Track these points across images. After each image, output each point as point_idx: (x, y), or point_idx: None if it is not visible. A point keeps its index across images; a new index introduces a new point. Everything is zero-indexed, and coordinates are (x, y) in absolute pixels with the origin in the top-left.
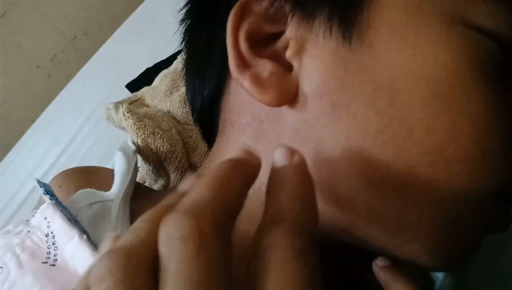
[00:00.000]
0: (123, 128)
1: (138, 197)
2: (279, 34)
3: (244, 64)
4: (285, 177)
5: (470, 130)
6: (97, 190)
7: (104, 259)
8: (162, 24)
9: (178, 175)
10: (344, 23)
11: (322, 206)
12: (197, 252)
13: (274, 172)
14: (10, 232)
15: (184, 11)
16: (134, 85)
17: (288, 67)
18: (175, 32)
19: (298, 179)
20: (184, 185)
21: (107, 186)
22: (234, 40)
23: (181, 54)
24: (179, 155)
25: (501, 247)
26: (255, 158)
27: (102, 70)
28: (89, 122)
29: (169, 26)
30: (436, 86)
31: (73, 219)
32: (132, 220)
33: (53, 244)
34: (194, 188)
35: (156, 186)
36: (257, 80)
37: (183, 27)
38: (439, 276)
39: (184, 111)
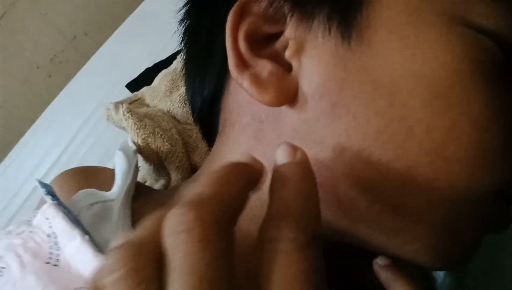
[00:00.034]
0: (123, 128)
1: (139, 197)
2: (278, 34)
3: (243, 64)
4: (288, 174)
5: (470, 130)
6: (98, 190)
7: (115, 252)
8: (162, 23)
9: (179, 175)
10: (343, 23)
11: (323, 205)
12: (200, 242)
13: (277, 169)
14: (12, 232)
15: (183, 11)
16: (134, 85)
17: (288, 67)
18: (175, 32)
19: (300, 175)
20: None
21: (108, 186)
22: (233, 40)
23: (180, 54)
24: (179, 155)
25: (501, 247)
26: (259, 165)
27: (102, 70)
28: (89, 122)
29: (169, 26)
30: (436, 86)
31: (74, 220)
32: (133, 220)
33: (55, 244)
34: (197, 186)
35: (157, 186)
36: (256, 80)
37: (183, 27)
38: (440, 274)
39: (184, 110)
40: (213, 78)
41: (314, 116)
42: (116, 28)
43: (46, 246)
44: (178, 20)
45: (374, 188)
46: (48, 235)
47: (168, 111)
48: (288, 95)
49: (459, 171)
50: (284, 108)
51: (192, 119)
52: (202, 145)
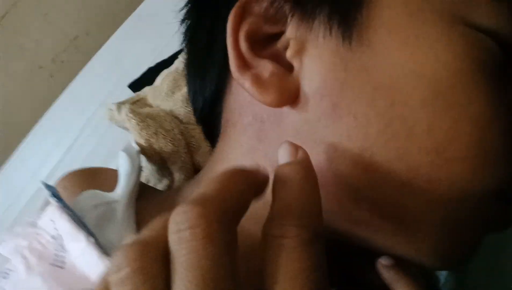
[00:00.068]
0: (126, 129)
1: (143, 198)
2: (279, 34)
3: (244, 65)
4: (290, 173)
5: (471, 130)
6: (102, 191)
7: (121, 251)
8: (164, 22)
9: (182, 175)
10: (343, 23)
11: (324, 205)
12: (204, 239)
13: (280, 168)
14: (18, 234)
15: (184, 11)
16: (136, 85)
17: (289, 67)
18: (177, 31)
19: (302, 174)
20: None
21: (111, 186)
22: (235, 40)
23: (182, 53)
24: (182, 155)
25: (501, 247)
26: (263, 173)
27: (104, 70)
28: (92, 122)
29: (170, 25)
30: (437, 86)
31: (79, 222)
32: (137, 221)
33: (61, 246)
34: (201, 187)
35: (160, 186)
36: (258, 80)
37: (184, 27)
38: (443, 273)
39: (187, 110)
40: (214, 78)
41: (315, 116)
42: (117, 28)
43: (51, 248)
44: (179, 19)
45: (375, 188)
46: (54, 237)
47: (171, 111)
48: (290, 96)
49: (460, 171)
50: (286, 109)
51: (194, 119)
52: (205, 145)
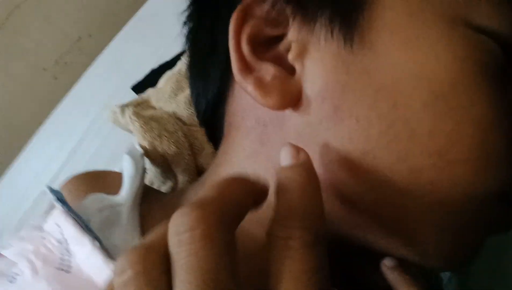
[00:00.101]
0: (130, 131)
1: (147, 201)
2: (281, 37)
3: (246, 68)
4: (292, 175)
5: (473, 132)
6: (107, 194)
7: (125, 255)
8: (167, 23)
9: (186, 177)
10: (345, 26)
11: (326, 207)
12: (204, 240)
13: (282, 170)
14: (24, 238)
15: (186, 14)
16: (139, 87)
17: (291, 70)
18: (179, 32)
19: (304, 177)
20: None
21: (116, 190)
22: (237, 43)
23: (184, 55)
24: (185, 157)
25: (503, 249)
26: (263, 185)
27: (107, 72)
28: (95, 124)
29: (173, 26)
30: (438, 88)
31: (84, 226)
32: (141, 224)
33: (66, 250)
34: (201, 193)
35: (164, 188)
36: (260, 84)
37: (186, 30)
38: (446, 274)
39: (190, 112)
40: (216, 81)
41: (317, 119)
42: (120, 29)
43: (57, 252)
44: (181, 21)
45: (377, 190)
46: (59, 241)
47: (174, 113)
48: (292, 99)
49: (462, 173)
50: (288, 112)
51: (197, 121)
52: (208, 146)
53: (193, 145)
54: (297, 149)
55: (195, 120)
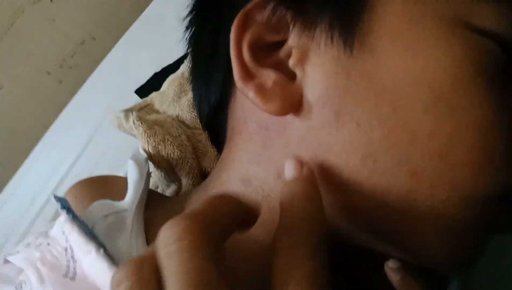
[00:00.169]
0: (134, 136)
1: (152, 205)
2: (282, 42)
3: (248, 75)
4: (295, 189)
5: (473, 134)
6: (112, 200)
7: (122, 267)
8: (170, 26)
9: (190, 180)
10: (344, 31)
11: (329, 211)
12: (191, 251)
13: (286, 185)
14: (30, 244)
15: (188, 18)
16: (143, 91)
17: (292, 76)
18: (182, 35)
19: (306, 190)
20: None
21: (121, 195)
22: (238, 50)
23: (188, 58)
24: (189, 161)
25: (503, 248)
26: (253, 206)
27: (112, 75)
28: (101, 128)
29: (176, 29)
30: (438, 91)
31: (89, 233)
32: (146, 229)
33: (72, 257)
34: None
35: (168, 191)
36: (261, 90)
37: (188, 35)
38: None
39: (193, 115)
40: (218, 86)
41: (319, 124)
42: (123, 31)
43: (63, 260)
44: (184, 25)
45: (379, 193)
46: (65, 249)
47: (177, 116)
48: (293, 104)
49: (464, 175)
50: (290, 117)
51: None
52: (212, 150)
53: (197, 149)
54: (301, 163)
55: (198, 123)
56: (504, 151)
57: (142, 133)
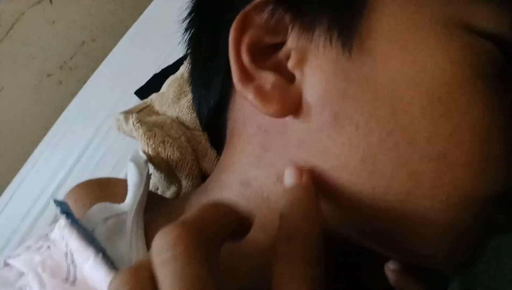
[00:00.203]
0: (134, 137)
1: (152, 207)
2: (281, 44)
3: (247, 77)
4: (293, 199)
5: (472, 135)
6: (112, 202)
7: (118, 275)
8: (170, 27)
9: (189, 182)
10: (343, 33)
11: (329, 214)
12: (185, 258)
13: (285, 192)
14: (31, 247)
15: (187, 20)
16: (142, 92)
17: (291, 77)
18: (182, 39)
19: (305, 201)
20: None
21: (121, 197)
22: (237, 53)
23: (187, 59)
24: (189, 163)
25: (504, 249)
26: (246, 216)
27: (112, 76)
28: (101, 130)
29: (176, 29)
30: (436, 93)
31: (89, 237)
32: (146, 231)
33: (72, 262)
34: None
35: (168, 193)
36: (260, 92)
37: (187, 36)
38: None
39: (193, 116)
40: (218, 88)
41: (318, 126)
42: (123, 32)
43: (64, 264)
44: (183, 27)
45: (379, 195)
46: (65, 254)
47: (177, 118)
48: (292, 106)
49: (463, 177)
50: (289, 119)
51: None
52: (212, 151)
53: (197, 150)
54: (300, 171)
55: (198, 124)
56: (504, 152)
57: (141, 135)
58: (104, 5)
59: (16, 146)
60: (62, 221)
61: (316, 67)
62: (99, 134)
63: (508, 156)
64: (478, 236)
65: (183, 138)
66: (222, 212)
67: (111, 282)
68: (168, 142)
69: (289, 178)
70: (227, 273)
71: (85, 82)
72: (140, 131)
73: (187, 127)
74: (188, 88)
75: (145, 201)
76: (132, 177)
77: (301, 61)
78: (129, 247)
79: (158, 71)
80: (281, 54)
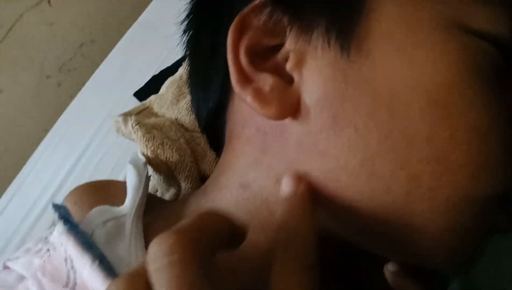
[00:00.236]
0: (133, 140)
1: (151, 210)
2: (279, 46)
3: (245, 79)
4: (289, 208)
5: (470, 137)
6: (111, 205)
7: (114, 281)
8: (168, 29)
9: (189, 184)
10: (342, 35)
11: (329, 216)
12: (180, 265)
13: (283, 201)
14: (30, 250)
15: (186, 22)
16: (141, 93)
17: (289, 79)
18: (180, 41)
19: (301, 211)
20: None
21: (120, 199)
22: (235, 56)
23: (186, 60)
24: (188, 165)
25: (504, 249)
26: (240, 225)
27: (111, 78)
28: (100, 131)
29: (174, 30)
30: (434, 95)
31: (87, 243)
32: (145, 234)
33: (72, 268)
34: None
35: (168, 195)
36: (259, 95)
37: (186, 38)
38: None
39: (192, 118)
40: (217, 90)
41: (316, 128)
42: (121, 34)
43: (63, 270)
44: (182, 29)
45: (378, 197)
46: (65, 259)
47: (176, 119)
48: (290, 108)
49: (463, 177)
50: (287, 121)
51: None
52: (211, 153)
53: (196, 152)
54: (298, 179)
55: (197, 126)
56: (503, 152)
57: (140, 137)
58: (102, 7)
59: (16, 148)
60: (60, 226)
61: (314, 69)
62: (98, 135)
63: (507, 156)
64: (478, 236)
65: (182, 140)
66: (217, 221)
67: (107, 289)
68: (167, 144)
69: (286, 187)
70: (227, 273)
71: (84, 84)
72: (139, 133)
73: (186, 129)
74: (187, 90)
75: (144, 203)
76: (131, 179)
77: (300, 63)
78: (128, 250)
79: (157, 72)
80: (280, 56)
